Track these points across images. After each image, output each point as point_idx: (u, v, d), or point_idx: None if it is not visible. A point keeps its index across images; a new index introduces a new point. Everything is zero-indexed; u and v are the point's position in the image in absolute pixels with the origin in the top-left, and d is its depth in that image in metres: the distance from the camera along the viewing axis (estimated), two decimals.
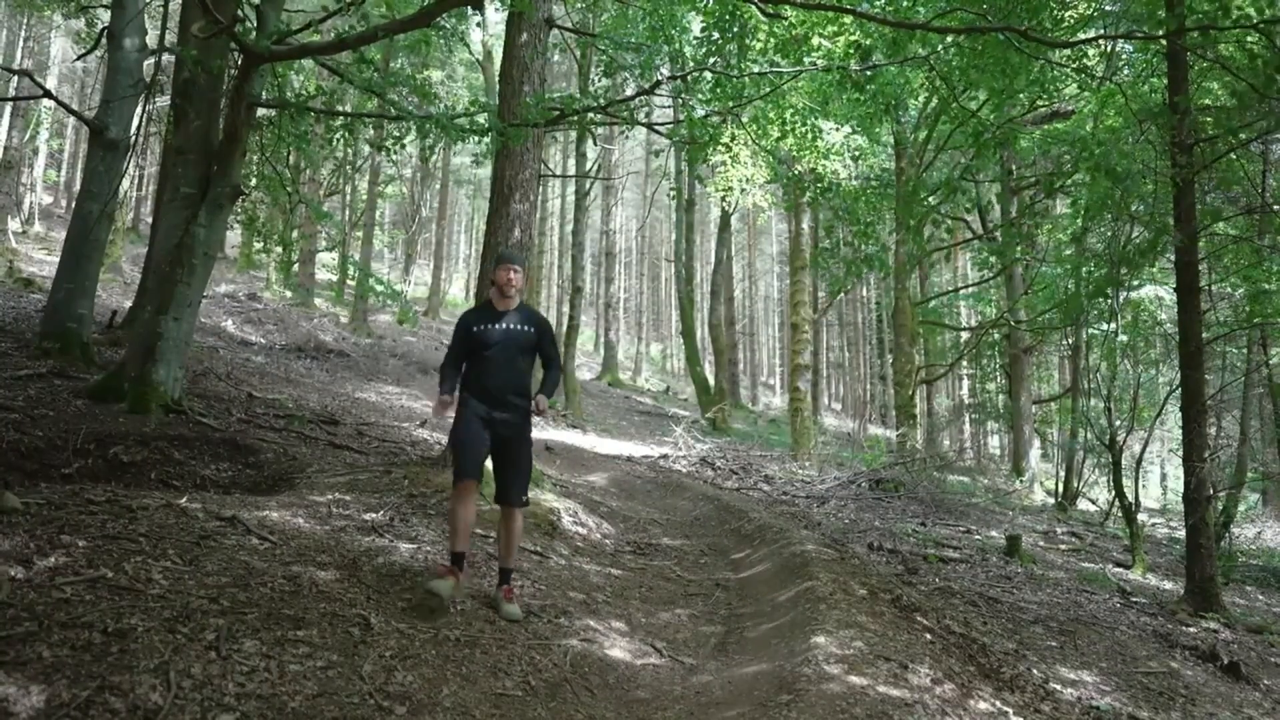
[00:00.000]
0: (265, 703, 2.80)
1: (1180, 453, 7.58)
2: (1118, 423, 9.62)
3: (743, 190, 14.51)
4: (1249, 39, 6.73)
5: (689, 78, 8.66)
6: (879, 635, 4.33)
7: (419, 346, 20.25)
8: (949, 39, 7.96)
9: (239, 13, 6.86)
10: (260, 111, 7.88)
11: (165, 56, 8.82)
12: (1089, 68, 8.99)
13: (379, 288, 10.35)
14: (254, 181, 9.10)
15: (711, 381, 23.00)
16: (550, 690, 3.61)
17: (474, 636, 3.81)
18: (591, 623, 4.58)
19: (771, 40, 9.29)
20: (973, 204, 16.37)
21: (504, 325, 4.38)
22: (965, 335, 19.99)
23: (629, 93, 11.95)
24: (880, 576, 6.19)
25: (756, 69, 8.55)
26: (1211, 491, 7.81)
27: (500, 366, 4.31)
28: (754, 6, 7.09)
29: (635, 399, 24.34)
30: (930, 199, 13.04)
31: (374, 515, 5.30)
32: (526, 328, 4.41)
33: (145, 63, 9.01)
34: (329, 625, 3.41)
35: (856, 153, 11.99)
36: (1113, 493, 10.20)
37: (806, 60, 8.87)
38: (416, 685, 3.19)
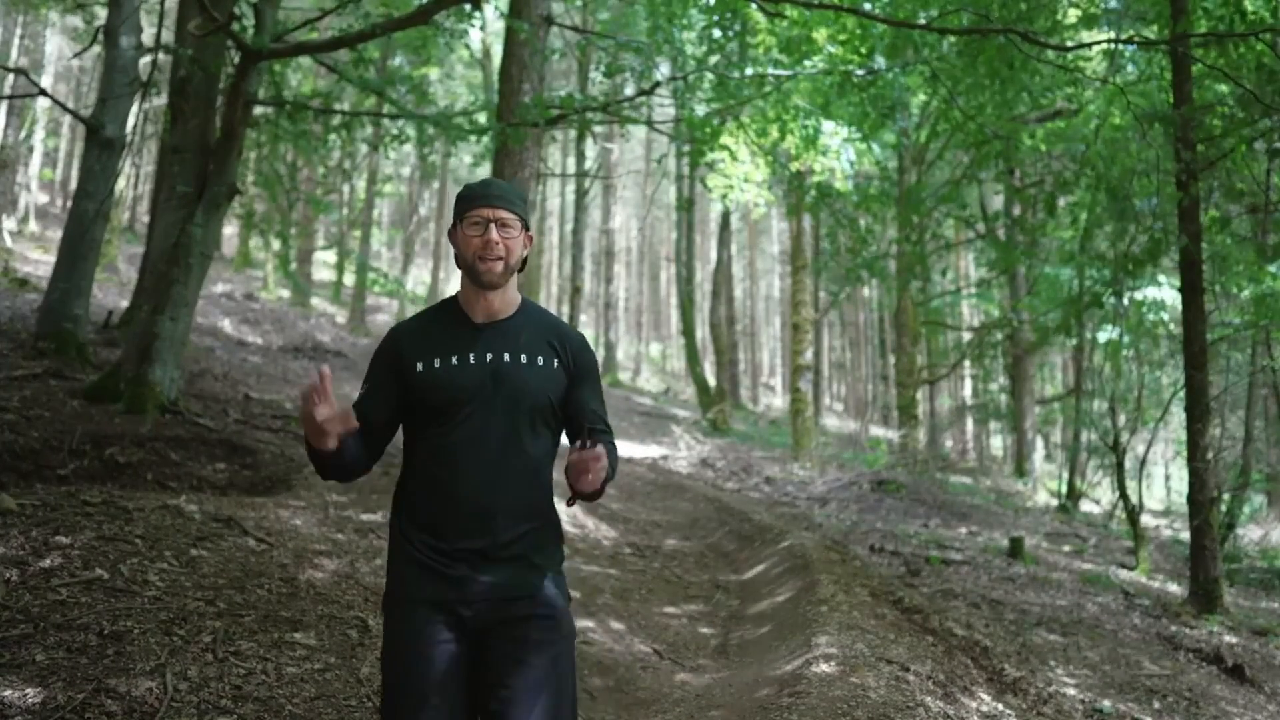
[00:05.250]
0: (262, 705, 2.77)
1: (1184, 454, 7.54)
2: (1121, 423, 9.58)
3: (742, 190, 14.47)
4: (1254, 41, 6.68)
5: (689, 78, 8.63)
6: (880, 637, 4.30)
7: None
8: (945, 43, 7.92)
9: (236, 10, 6.82)
10: (257, 110, 7.84)
11: (162, 54, 8.76)
12: (1088, 74, 8.94)
13: (381, 283, 10.30)
14: (250, 179, 9.05)
15: (712, 382, 22.94)
16: None
17: None
18: (591, 624, 4.54)
19: (773, 39, 9.25)
20: (976, 209, 16.32)
21: (488, 356, 1.90)
22: (968, 335, 19.95)
23: (629, 92, 11.91)
24: (882, 578, 6.15)
25: (758, 69, 8.52)
26: (1216, 493, 7.77)
27: (486, 456, 1.87)
28: (755, 6, 7.05)
29: (635, 399, 24.28)
30: (931, 199, 13.00)
31: (372, 516, 5.26)
32: (545, 360, 1.95)
33: (142, 61, 8.96)
34: (326, 627, 3.37)
35: (857, 151, 11.94)
36: (1116, 494, 10.17)
37: (808, 63, 8.83)
38: None
